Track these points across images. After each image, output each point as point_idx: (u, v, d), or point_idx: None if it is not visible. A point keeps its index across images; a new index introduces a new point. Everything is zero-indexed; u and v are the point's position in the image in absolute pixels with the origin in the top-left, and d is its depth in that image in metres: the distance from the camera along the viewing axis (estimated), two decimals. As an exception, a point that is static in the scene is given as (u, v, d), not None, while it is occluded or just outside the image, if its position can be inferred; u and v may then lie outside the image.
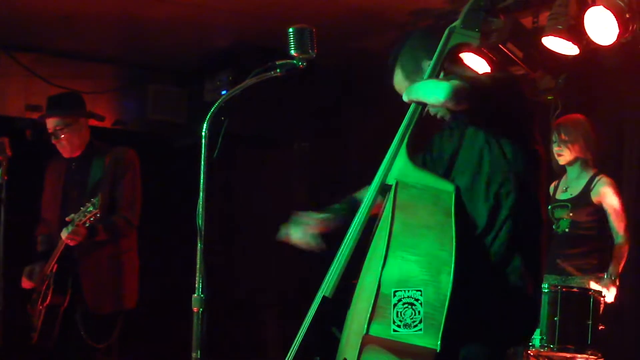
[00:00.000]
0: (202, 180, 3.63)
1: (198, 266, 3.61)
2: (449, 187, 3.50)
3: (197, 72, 8.29)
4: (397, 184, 3.51)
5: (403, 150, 3.60)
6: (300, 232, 3.93)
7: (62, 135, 6.01)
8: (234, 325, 8.11)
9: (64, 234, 5.72)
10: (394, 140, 3.66)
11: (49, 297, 5.86)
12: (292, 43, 3.71)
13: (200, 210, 3.61)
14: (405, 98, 3.69)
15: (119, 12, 7.18)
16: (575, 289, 5.76)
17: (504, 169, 3.56)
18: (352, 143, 7.64)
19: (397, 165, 3.60)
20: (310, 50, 3.71)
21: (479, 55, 6.49)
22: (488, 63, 6.65)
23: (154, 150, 8.07)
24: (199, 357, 3.61)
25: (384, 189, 3.61)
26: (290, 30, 3.71)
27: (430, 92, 3.54)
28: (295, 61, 3.71)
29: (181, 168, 6.17)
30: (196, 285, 3.61)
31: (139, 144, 6.26)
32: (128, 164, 6.12)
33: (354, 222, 3.68)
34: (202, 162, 3.64)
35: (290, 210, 4.05)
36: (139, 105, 8.39)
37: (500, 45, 6.46)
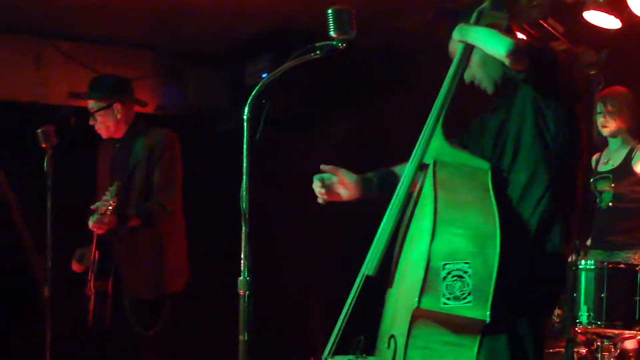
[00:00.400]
0: (245, 164, 3.64)
1: (243, 249, 3.62)
2: (484, 164, 3.61)
3: (237, 56, 8.30)
4: (434, 163, 3.58)
5: (439, 129, 3.66)
6: (322, 188, 4.00)
7: (98, 118, 6.04)
8: (279, 309, 8.14)
9: (90, 223, 5.73)
10: (429, 119, 3.69)
11: (92, 283, 5.90)
12: (331, 24, 3.71)
13: (244, 193, 3.62)
14: (457, 36, 3.69)
15: (156, -1, 7.22)
16: (622, 265, 5.72)
17: (545, 141, 3.61)
18: (392, 124, 7.62)
19: (433, 144, 3.68)
20: (349, 31, 3.71)
21: (520, 32, 6.45)
22: (529, 39, 6.61)
23: (196, 135, 8.10)
24: (246, 339, 3.62)
25: (421, 168, 3.66)
26: (330, 11, 3.71)
27: (491, 41, 3.58)
28: (334, 42, 3.71)
29: (224, 152, 6.16)
30: (242, 268, 3.62)
31: (181, 129, 6.27)
32: (165, 146, 6.08)
33: (393, 200, 3.73)
34: (245, 146, 3.65)
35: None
36: (181, 90, 8.42)
37: (541, 21, 6.42)
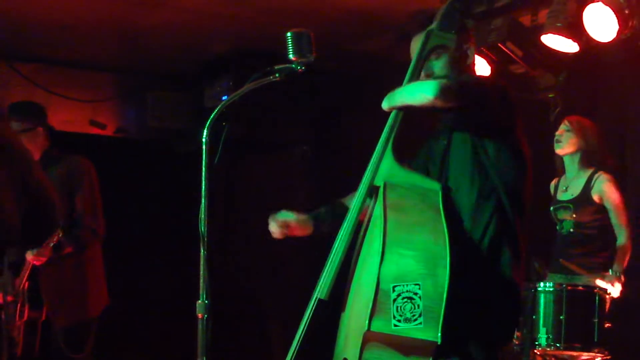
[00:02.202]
0: (203, 186, 3.62)
1: (201, 272, 3.60)
2: (434, 185, 3.60)
3: (197, 78, 8.30)
4: (385, 184, 3.57)
5: (389, 152, 3.69)
6: (278, 228, 4.03)
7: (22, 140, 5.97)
8: (238, 331, 8.11)
9: (29, 256, 5.66)
10: (379, 143, 3.71)
11: (25, 313, 5.82)
12: (290, 47, 3.70)
13: (203, 216, 3.60)
14: (385, 106, 3.72)
15: (116, 21, 7.19)
16: (580, 287, 5.74)
17: (486, 168, 3.63)
18: (352, 146, 7.64)
19: (383, 166, 3.68)
20: (308, 54, 3.70)
21: (479, 55, 6.48)
22: (488, 62, 6.65)
23: (156, 157, 8.08)
24: (205, 363, 3.60)
25: (372, 191, 3.66)
26: (288, 34, 3.70)
27: (417, 93, 3.59)
28: (293, 65, 3.71)
29: (183, 174, 6.15)
30: (200, 292, 3.60)
31: (141, 151, 6.25)
32: (83, 172, 6.04)
33: (345, 223, 3.73)
34: (203, 168, 3.63)
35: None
36: (140, 112, 8.39)
37: (499, 44, 6.46)
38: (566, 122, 6.19)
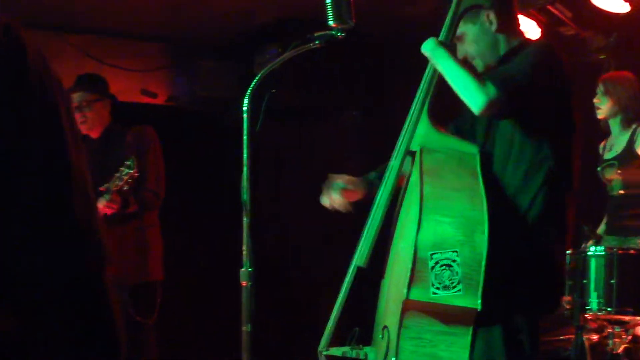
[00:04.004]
0: (245, 155, 3.64)
1: (245, 240, 3.63)
2: (472, 149, 3.55)
3: (246, 47, 8.30)
4: (421, 149, 3.52)
5: (424, 116, 3.61)
6: (336, 196, 3.97)
7: (91, 110, 6.09)
8: (285, 299, 8.14)
9: (101, 203, 5.73)
10: (414, 106, 3.65)
11: None
12: (330, 13, 3.70)
13: (245, 185, 3.62)
14: (426, 49, 3.60)
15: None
16: (632, 250, 5.67)
17: (537, 137, 3.54)
18: (401, 111, 7.61)
19: (419, 131, 3.61)
20: (348, 20, 3.69)
21: (528, 17, 6.42)
22: (537, 25, 6.58)
23: (205, 125, 8.12)
24: (249, 330, 3.63)
25: (408, 156, 3.62)
26: (328, 0, 3.70)
27: (467, 92, 3.42)
28: (333, 32, 3.70)
29: (232, 142, 6.18)
30: (244, 260, 3.63)
31: (191, 120, 6.29)
32: (149, 141, 6.20)
33: (381, 190, 3.69)
34: (245, 137, 3.65)
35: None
36: (190, 81, 8.43)
37: (548, 6, 6.39)
38: (600, 85, 6.11)
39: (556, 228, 3.58)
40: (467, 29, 3.70)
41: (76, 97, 6.10)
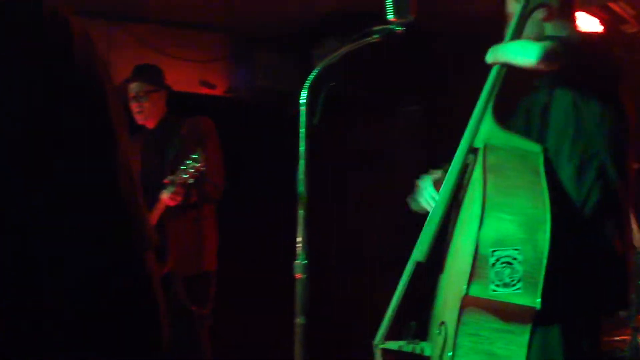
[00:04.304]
0: (302, 147, 3.64)
1: (300, 233, 3.63)
2: (536, 147, 3.52)
3: (305, 39, 8.30)
4: (485, 146, 3.52)
5: (489, 113, 3.62)
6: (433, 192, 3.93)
7: (148, 101, 6.13)
8: (341, 293, 8.14)
9: (165, 195, 5.81)
10: (479, 103, 3.66)
11: None
12: (389, 7, 3.68)
13: (302, 177, 3.62)
14: (489, 59, 3.67)
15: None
16: (689, 252, 5.61)
17: (589, 131, 3.53)
18: (461, 107, 7.59)
19: (483, 128, 3.62)
20: (407, 15, 3.67)
21: (590, 14, 6.35)
22: (600, 22, 6.51)
23: (264, 117, 8.14)
24: (303, 322, 3.63)
25: (471, 153, 3.62)
26: (387, -6, 3.68)
27: (521, 53, 3.52)
28: (392, 26, 3.69)
29: (290, 136, 6.19)
30: (299, 252, 3.63)
31: (251, 112, 6.31)
32: (207, 132, 6.23)
33: (443, 186, 3.69)
34: (302, 129, 3.65)
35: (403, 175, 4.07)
36: (249, 73, 8.45)
37: (610, 4, 6.32)
38: None
39: (614, 223, 3.55)
40: (534, 26, 3.74)
41: (133, 87, 6.16)
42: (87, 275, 1.76)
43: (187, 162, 5.73)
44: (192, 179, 5.76)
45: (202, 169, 5.74)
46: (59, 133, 1.72)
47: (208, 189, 6.10)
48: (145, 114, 6.18)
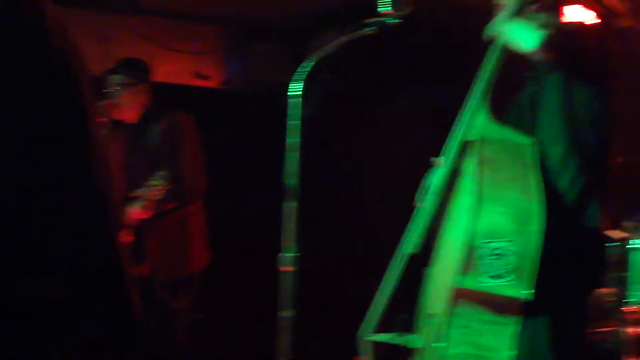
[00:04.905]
0: (291, 139, 3.66)
1: (291, 226, 3.63)
2: (526, 140, 3.56)
3: (301, 31, 8.29)
4: (481, 140, 3.54)
5: (483, 107, 3.62)
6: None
7: (124, 95, 6.07)
8: (330, 286, 8.15)
9: (132, 210, 5.71)
10: (473, 97, 3.67)
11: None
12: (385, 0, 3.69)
13: (296, 169, 3.63)
14: (490, 33, 3.68)
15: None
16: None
17: (577, 118, 3.59)
18: (454, 103, 7.59)
19: (478, 121, 3.61)
20: (404, 7, 3.68)
21: (585, 7, 6.34)
22: (597, 16, 6.51)
23: (259, 109, 8.13)
24: (289, 316, 3.64)
25: (464, 145, 3.62)
26: (383, -14, 3.69)
27: (523, 37, 3.58)
28: (385, 19, 3.69)
29: (284, 127, 6.20)
30: (287, 245, 3.64)
31: (245, 103, 6.29)
32: (185, 128, 6.10)
33: (435, 177, 3.70)
34: (291, 121, 3.67)
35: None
36: (244, 65, 8.44)
37: (603, -2, 6.33)
38: None
39: (597, 208, 3.63)
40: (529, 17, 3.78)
41: (114, 79, 6.10)
42: (62, 258, 1.78)
43: (152, 182, 5.63)
44: (160, 196, 5.67)
45: (168, 187, 5.64)
46: (35, 119, 1.74)
47: (186, 192, 5.98)
48: (123, 107, 6.09)
